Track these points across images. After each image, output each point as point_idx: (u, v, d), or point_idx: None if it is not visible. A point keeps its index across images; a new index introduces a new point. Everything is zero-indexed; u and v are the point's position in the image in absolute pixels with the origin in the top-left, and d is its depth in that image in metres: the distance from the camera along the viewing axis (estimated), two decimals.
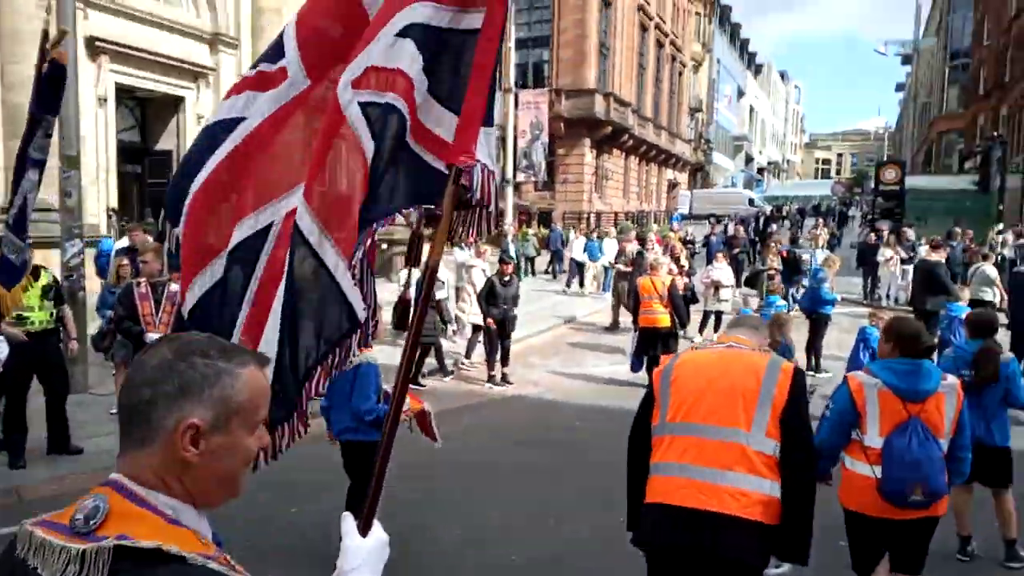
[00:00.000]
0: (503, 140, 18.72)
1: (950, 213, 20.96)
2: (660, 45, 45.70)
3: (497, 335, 8.86)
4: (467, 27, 1.97)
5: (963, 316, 7.64)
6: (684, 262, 12.63)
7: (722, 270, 12.09)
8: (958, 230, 15.34)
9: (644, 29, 42.34)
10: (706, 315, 12.32)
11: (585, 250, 16.76)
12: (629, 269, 12.50)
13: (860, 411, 3.48)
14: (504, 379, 9.01)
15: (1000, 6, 42.82)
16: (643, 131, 42.58)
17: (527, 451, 6.65)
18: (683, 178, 55.10)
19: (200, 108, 15.74)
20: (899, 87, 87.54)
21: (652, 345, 8.68)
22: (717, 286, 11.97)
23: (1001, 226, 14.72)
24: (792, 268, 13.22)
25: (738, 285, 14.02)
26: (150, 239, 7.95)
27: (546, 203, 37.04)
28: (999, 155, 14.31)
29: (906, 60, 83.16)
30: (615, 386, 9.07)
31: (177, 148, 15.59)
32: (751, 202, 48.56)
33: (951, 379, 3.58)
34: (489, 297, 8.83)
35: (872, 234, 17.62)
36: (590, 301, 15.57)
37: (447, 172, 1.86)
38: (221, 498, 1.11)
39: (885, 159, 36.93)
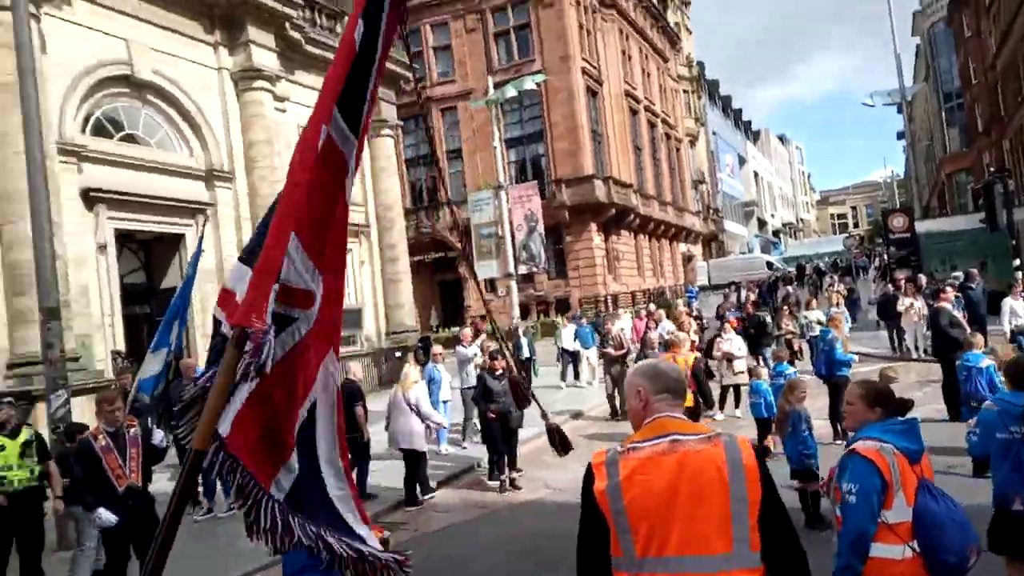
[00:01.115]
0: (500, 237, 18.82)
1: (971, 253, 20.44)
2: (652, 125, 46.74)
3: (500, 433, 8.46)
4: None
5: (980, 365, 7.19)
6: (693, 337, 12.23)
7: (732, 340, 11.67)
8: (974, 271, 14.82)
9: (634, 112, 43.43)
10: (724, 390, 11.81)
11: (576, 337, 15.72)
12: (620, 352, 12.11)
13: (888, 482, 3.01)
14: (512, 484, 8.54)
15: (980, 46, 43.51)
16: (648, 209, 42.97)
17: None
18: (698, 250, 55.15)
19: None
20: (899, 135, 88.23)
21: None
22: (729, 358, 11.52)
23: (1018, 261, 14.20)
24: (759, 332, 12.95)
25: (753, 353, 13.54)
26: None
27: (562, 291, 37.12)
28: (1001, 190, 13.94)
29: (901, 108, 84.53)
30: None
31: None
32: (770, 265, 48.31)
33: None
34: (484, 394, 8.51)
35: (889, 285, 17.12)
36: (596, 391, 14.52)
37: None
38: None
39: (897, 207, 36.69)
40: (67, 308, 11.41)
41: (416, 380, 8.89)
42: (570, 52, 36.38)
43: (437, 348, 10.87)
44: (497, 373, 8.56)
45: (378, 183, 21.83)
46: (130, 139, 15.00)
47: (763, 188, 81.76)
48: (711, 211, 59.88)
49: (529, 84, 17.58)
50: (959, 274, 15.80)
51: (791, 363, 13.35)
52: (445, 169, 39.09)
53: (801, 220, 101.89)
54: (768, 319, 14.22)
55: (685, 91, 56.26)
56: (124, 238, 15.22)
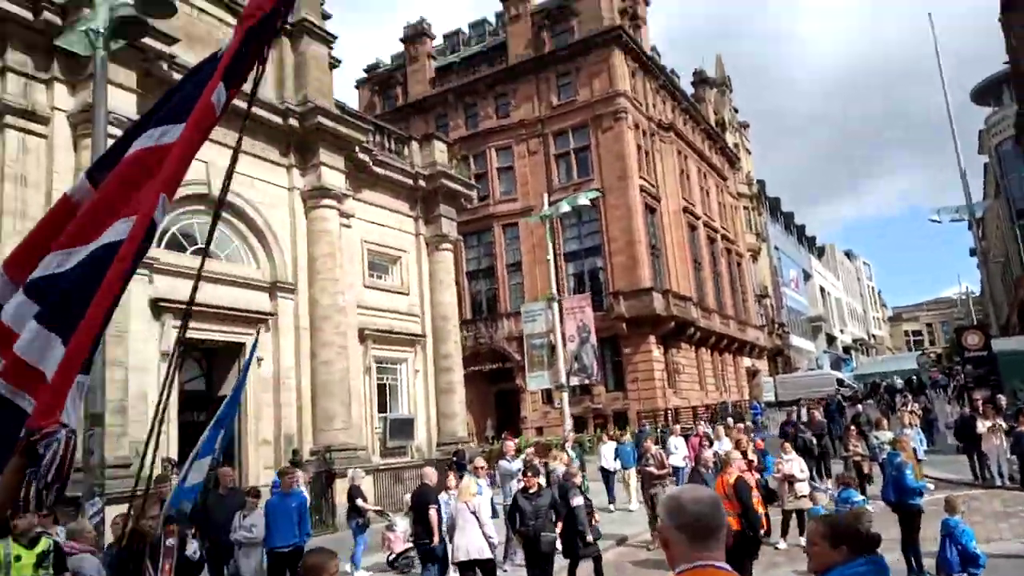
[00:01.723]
0: (552, 347, 18.71)
1: None
2: (712, 240, 46.82)
3: (528, 560, 8.03)
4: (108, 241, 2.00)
5: None
6: (752, 456, 11.59)
7: (793, 461, 11.03)
8: None
9: (693, 228, 43.71)
10: (786, 515, 11.06)
11: (617, 456, 14.63)
12: (661, 472, 11.51)
13: None
14: None
15: None
16: (709, 322, 42.34)
17: None
18: (762, 364, 53.57)
19: (260, 351, 16.49)
20: (972, 252, 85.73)
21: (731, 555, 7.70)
22: (791, 480, 10.86)
23: None
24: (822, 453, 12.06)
25: (819, 476, 12.74)
26: None
27: (620, 404, 36.35)
28: None
29: (970, 224, 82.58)
30: None
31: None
32: (840, 382, 46.34)
33: None
34: (512, 514, 8.15)
35: (967, 407, 16.12)
36: (641, 514, 13.27)
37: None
38: None
39: (974, 324, 35.10)
40: (123, 414, 11.67)
41: (476, 492, 8.77)
42: (628, 172, 37.33)
43: (479, 461, 10.62)
44: (531, 491, 8.22)
45: (436, 295, 22.26)
46: (202, 252, 15.85)
47: (830, 303, 79.82)
48: (776, 325, 58.53)
49: (583, 200, 18.01)
50: None
51: (861, 489, 12.55)
52: (504, 281, 39.75)
53: (873, 336, 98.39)
54: (817, 440, 13.32)
55: (745, 208, 56.55)
56: (189, 347, 15.76)
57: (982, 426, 14.26)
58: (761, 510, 8.07)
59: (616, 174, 37.53)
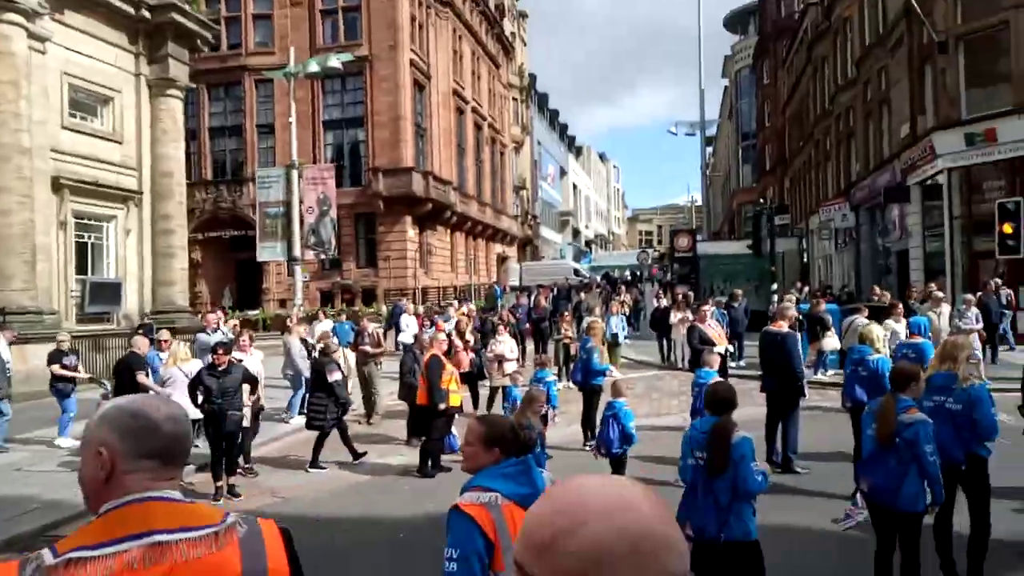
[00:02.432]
0: (288, 218, 17.46)
1: (744, 276, 22.08)
2: (479, 127, 46.92)
3: (212, 440, 7.49)
4: None
5: (710, 382, 7.36)
6: (469, 337, 11.88)
7: (504, 343, 11.48)
8: (738, 292, 15.94)
9: (460, 112, 43.31)
10: (493, 391, 11.59)
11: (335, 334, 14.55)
12: (376, 351, 11.53)
13: (494, 542, 2.50)
14: (231, 491, 7.59)
15: (775, 93, 48.16)
16: (466, 208, 42.99)
17: None
18: (512, 251, 56.18)
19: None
20: (704, 166, 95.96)
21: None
22: (501, 359, 11.31)
23: (775, 286, 15.49)
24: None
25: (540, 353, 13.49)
26: None
27: (370, 281, 36.05)
28: (767, 222, 15.17)
29: (708, 142, 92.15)
30: (392, 477, 8.05)
31: None
32: (576, 272, 50.39)
33: (547, 474, 2.95)
34: (193, 390, 7.51)
35: (663, 300, 18.04)
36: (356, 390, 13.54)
37: None
38: None
39: (692, 229, 39.37)
40: None
41: (187, 357, 8.61)
42: (399, 42, 35.41)
43: (164, 334, 9.65)
44: (220, 368, 7.55)
45: (158, 147, 19.57)
46: None
47: (580, 200, 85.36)
48: (529, 216, 61.34)
49: (334, 63, 16.38)
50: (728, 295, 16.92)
51: (566, 369, 13.56)
52: (253, 142, 36.55)
53: (612, 233, 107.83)
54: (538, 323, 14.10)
55: (515, 99, 57.16)
56: None
57: (674, 317, 16.03)
58: (455, 387, 8.15)
59: (387, 43, 35.46)
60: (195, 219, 35.02)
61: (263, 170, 22.08)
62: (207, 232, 35.24)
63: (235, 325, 10.68)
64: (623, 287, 24.75)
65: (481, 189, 47.52)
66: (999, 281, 14.43)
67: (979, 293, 13.66)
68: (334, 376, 8.59)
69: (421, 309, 18.39)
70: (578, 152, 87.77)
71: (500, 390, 11.55)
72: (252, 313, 31.62)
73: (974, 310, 12.28)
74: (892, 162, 21.87)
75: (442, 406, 7.81)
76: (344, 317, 14.46)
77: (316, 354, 11.27)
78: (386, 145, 35.53)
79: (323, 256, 21.78)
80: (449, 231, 41.47)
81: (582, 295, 23.08)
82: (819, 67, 32.98)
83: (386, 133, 35.52)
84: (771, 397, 7.87)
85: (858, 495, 4.78)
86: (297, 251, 17.03)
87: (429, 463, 8.00)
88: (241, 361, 8.51)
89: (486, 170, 48.69)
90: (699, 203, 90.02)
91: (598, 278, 46.96)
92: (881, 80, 23.84)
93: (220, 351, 7.67)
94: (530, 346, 17.83)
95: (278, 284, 36.45)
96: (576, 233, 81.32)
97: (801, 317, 13.15)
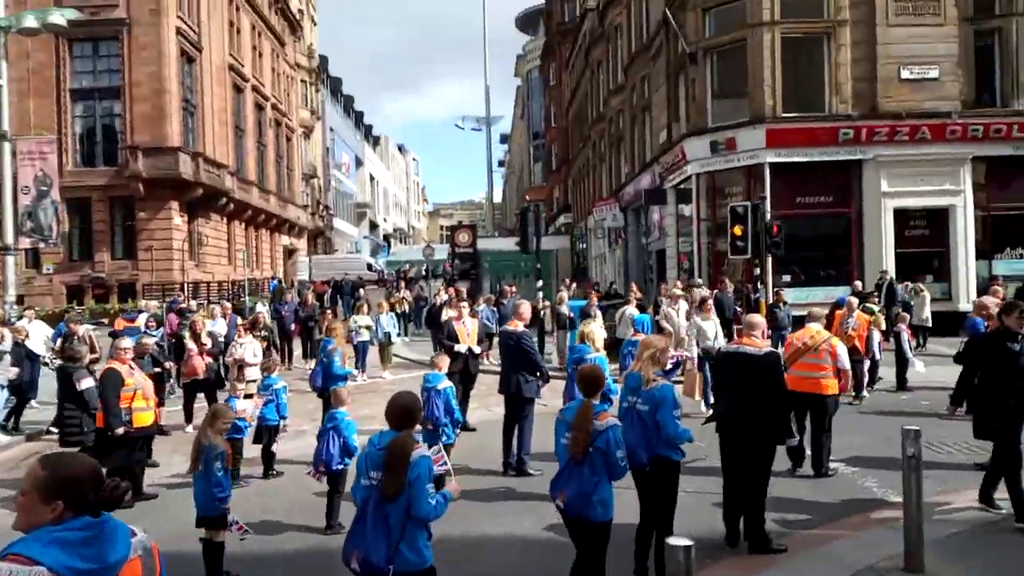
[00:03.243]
0: None
1: (517, 271, 22.44)
2: (260, 108, 43.98)
3: None
4: None
5: (439, 387, 6.99)
6: (206, 340, 10.62)
7: (246, 346, 10.39)
8: (508, 288, 16.06)
9: (239, 90, 40.28)
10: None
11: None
12: (92, 356, 9.94)
13: None
14: None
15: (560, 94, 50.19)
16: (246, 195, 40.07)
17: None
18: (302, 244, 53.50)
19: None
20: (501, 163, 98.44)
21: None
22: (241, 365, 10.21)
23: (540, 283, 15.85)
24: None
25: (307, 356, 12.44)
26: None
27: (127, 274, 32.28)
28: (532, 218, 15.46)
29: (504, 139, 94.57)
30: None
31: None
32: (370, 267, 49.12)
33: (140, 536, 2.20)
34: None
35: (438, 296, 17.76)
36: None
37: None
38: None
39: (472, 225, 39.80)
40: None
41: None
42: (163, 6, 31.99)
43: None
44: None
45: None
46: None
47: (378, 192, 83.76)
48: (321, 207, 58.87)
49: (57, 18, 13.90)
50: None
51: None
52: None
53: (413, 228, 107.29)
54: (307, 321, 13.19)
55: (303, 81, 54.43)
56: None
57: (446, 314, 15.75)
58: (142, 404, 6.90)
59: (148, 6, 31.88)
60: None
61: None
62: None
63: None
64: (403, 283, 24.13)
65: (265, 175, 44.62)
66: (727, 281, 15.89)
67: (715, 291, 14.86)
68: (85, 384, 7.27)
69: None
70: (375, 142, 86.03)
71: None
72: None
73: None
74: (652, 165, 23.44)
75: (120, 430, 6.65)
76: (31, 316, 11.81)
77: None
78: (147, 121, 31.98)
79: (41, 245, 18.73)
80: (226, 220, 38.37)
81: (361, 291, 22.24)
82: (595, 71, 34.69)
83: (147, 107, 31.97)
84: (508, 399, 7.69)
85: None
86: (9, 238, 14.32)
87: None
88: None
89: (270, 155, 45.81)
90: (496, 199, 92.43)
91: (391, 272, 46.19)
92: (645, 87, 25.45)
93: None
94: (298, 349, 16.70)
95: (16, 277, 31.46)
96: (374, 226, 79.66)
97: (572, 314, 13.67)
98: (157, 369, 8.28)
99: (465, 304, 11.12)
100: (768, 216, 14.64)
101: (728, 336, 14.89)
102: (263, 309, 16.30)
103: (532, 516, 6.14)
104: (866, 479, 6.96)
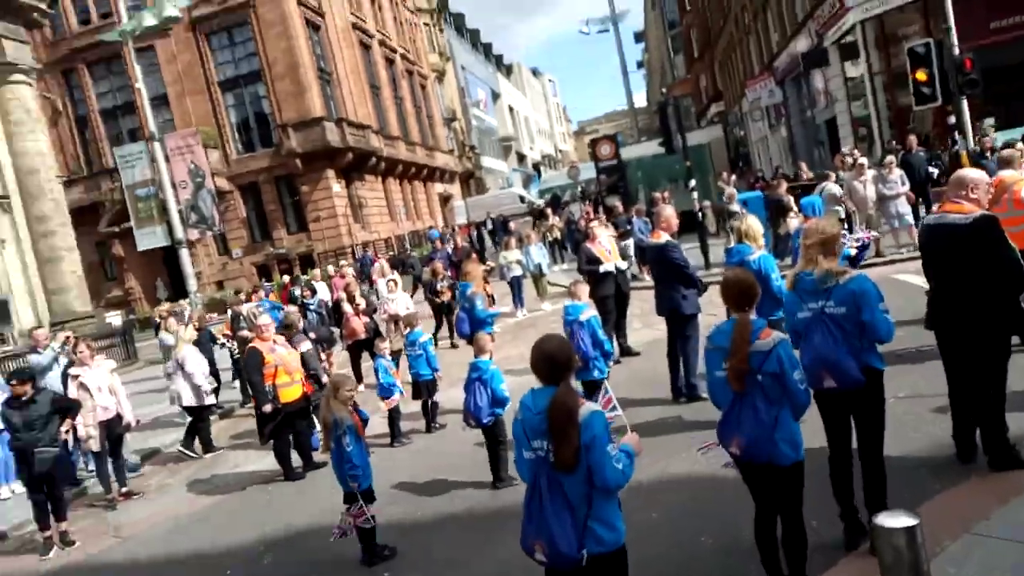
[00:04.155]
0: (161, 198, 15.69)
1: (671, 176, 21.01)
2: (390, 61, 44.40)
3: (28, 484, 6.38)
4: None
5: (580, 318, 6.32)
6: (360, 300, 10.69)
7: (398, 300, 10.32)
8: (657, 195, 14.85)
9: (366, 48, 40.78)
10: (395, 354, 10.44)
11: None
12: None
13: None
14: (64, 539, 6.49)
15: None
16: (393, 151, 41.02)
17: None
18: (455, 189, 54.32)
19: None
20: (639, 65, 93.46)
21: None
22: (397, 320, 10.16)
23: (693, 182, 14.41)
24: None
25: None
26: None
27: (304, 246, 34.38)
28: (674, 113, 13.95)
29: (638, 38, 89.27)
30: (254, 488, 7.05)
31: None
32: (522, 199, 48.84)
33: None
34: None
35: (583, 216, 16.92)
36: None
37: None
38: None
39: (614, 135, 37.94)
40: None
41: None
42: None
43: (80, 347, 8.04)
44: (23, 399, 6.35)
45: (16, 143, 17.69)
46: None
47: (520, 122, 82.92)
48: (467, 148, 59.25)
49: (171, 10, 14.32)
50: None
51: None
52: (145, 118, 33.97)
53: (560, 151, 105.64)
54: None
55: (426, 24, 54.19)
56: None
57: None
58: (286, 379, 6.84)
59: None
60: (107, 212, 32.89)
61: (121, 148, 20.06)
62: (122, 223, 33.00)
63: (68, 337, 9.29)
64: (549, 210, 23.43)
65: (407, 128, 45.36)
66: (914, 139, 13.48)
67: (900, 152, 12.72)
68: (304, 346, 7.61)
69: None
70: (508, 71, 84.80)
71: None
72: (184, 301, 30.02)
73: (897, 171, 11.34)
74: (807, 24, 20.59)
75: (267, 408, 6.67)
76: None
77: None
78: (290, 97, 33.29)
79: (208, 233, 20.04)
80: (380, 179, 39.59)
81: (512, 224, 21.90)
82: None
83: (287, 83, 33.22)
84: (667, 318, 6.86)
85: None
86: (179, 232, 15.40)
87: (291, 468, 7.00)
88: (74, 378, 7.32)
89: (408, 107, 46.40)
90: (640, 104, 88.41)
91: (542, 200, 45.56)
92: None
93: (15, 381, 6.44)
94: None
95: (210, 265, 34.68)
96: (521, 158, 79.27)
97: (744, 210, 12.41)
98: (311, 338, 8.30)
99: (595, 222, 10.14)
100: (957, 50, 12.17)
101: (927, 204, 12.87)
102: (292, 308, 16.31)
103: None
104: None
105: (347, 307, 10.63)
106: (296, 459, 7.24)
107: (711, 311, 7.50)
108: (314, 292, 11.70)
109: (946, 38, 11.98)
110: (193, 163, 17.94)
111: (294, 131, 32.97)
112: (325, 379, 7.12)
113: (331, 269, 15.86)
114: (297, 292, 11.91)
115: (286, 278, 14.97)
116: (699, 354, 6.72)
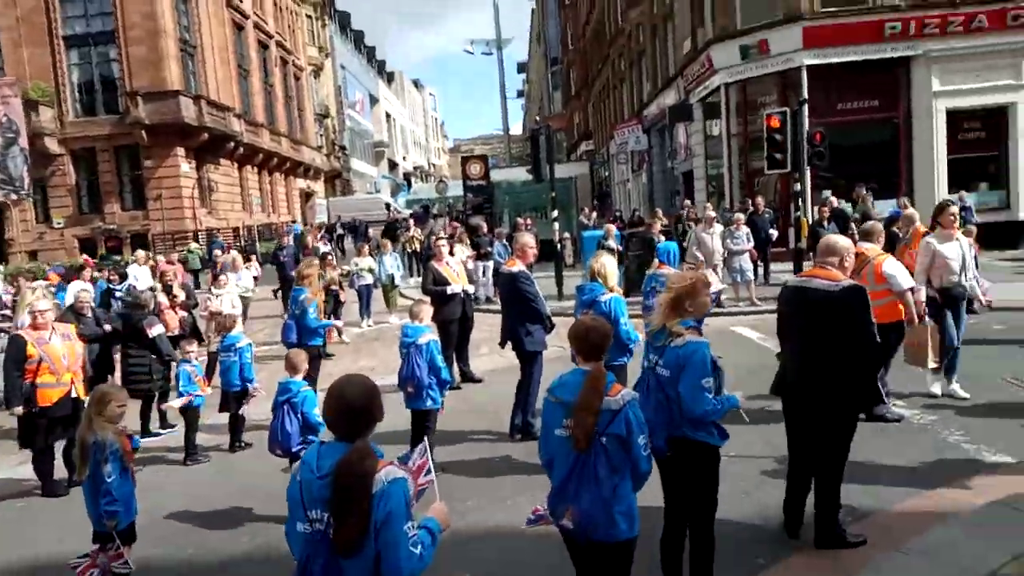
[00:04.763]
0: None
1: (534, 204, 21.06)
2: (264, 46, 42.22)
3: None
4: None
5: (419, 341, 5.77)
6: (178, 292, 9.51)
7: (224, 296, 9.29)
8: (522, 220, 14.70)
9: (239, 28, 38.51)
10: (211, 357, 9.28)
11: None
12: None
13: None
14: None
15: (575, 14, 47.42)
16: (255, 138, 38.79)
17: None
18: (319, 186, 52.30)
19: None
20: (519, 94, 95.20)
21: None
22: (218, 318, 9.11)
23: (556, 213, 14.42)
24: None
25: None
26: None
27: (139, 224, 31.48)
28: (544, 143, 13.91)
29: (521, 68, 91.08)
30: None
31: None
32: (388, 207, 47.82)
33: None
34: None
35: (444, 229, 16.51)
36: None
37: None
38: None
39: (485, 156, 38.06)
40: None
41: None
42: None
43: None
44: None
45: None
46: None
47: (396, 130, 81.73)
48: (337, 147, 57.38)
49: None
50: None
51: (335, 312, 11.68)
52: None
53: (433, 165, 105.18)
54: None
55: (308, 16, 52.19)
56: None
57: (462, 253, 14.50)
58: (62, 379, 5.75)
59: None
60: None
61: None
62: None
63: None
64: (411, 221, 22.79)
65: (274, 117, 43.18)
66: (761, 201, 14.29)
67: (749, 211, 13.35)
68: (155, 330, 7.19)
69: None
70: (389, 78, 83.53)
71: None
72: None
73: (744, 228, 11.82)
74: (677, 80, 21.52)
75: (18, 410, 5.58)
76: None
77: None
78: (145, 64, 30.62)
79: (14, 197, 17.69)
80: (236, 165, 37.22)
81: (370, 232, 21.08)
82: None
83: (143, 50, 30.56)
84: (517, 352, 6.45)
85: None
86: None
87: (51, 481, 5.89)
88: None
89: (278, 96, 44.23)
90: (516, 132, 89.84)
91: (409, 211, 44.79)
92: None
93: None
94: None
95: (24, 232, 30.91)
96: (393, 166, 77.99)
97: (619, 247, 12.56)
98: (105, 329, 7.17)
99: (444, 243, 9.59)
100: (808, 124, 12.97)
101: (765, 263, 13.56)
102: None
103: (536, 496, 4.99)
104: (949, 431, 5.67)
105: (162, 298, 9.44)
106: (62, 470, 6.08)
107: (557, 343, 7.23)
108: (123, 277, 10.31)
109: (801, 110, 12.72)
110: (6, 116, 15.64)
111: (144, 100, 30.30)
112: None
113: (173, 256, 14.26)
114: (98, 275, 10.37)
115: (84, 256, 13.23)
116: (538, 394, 6.39)
